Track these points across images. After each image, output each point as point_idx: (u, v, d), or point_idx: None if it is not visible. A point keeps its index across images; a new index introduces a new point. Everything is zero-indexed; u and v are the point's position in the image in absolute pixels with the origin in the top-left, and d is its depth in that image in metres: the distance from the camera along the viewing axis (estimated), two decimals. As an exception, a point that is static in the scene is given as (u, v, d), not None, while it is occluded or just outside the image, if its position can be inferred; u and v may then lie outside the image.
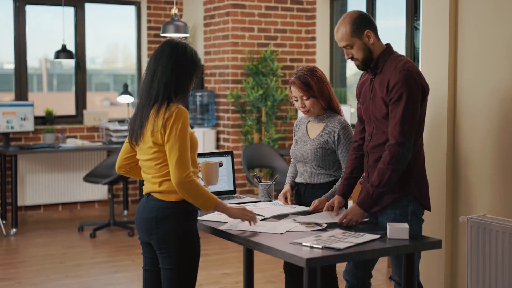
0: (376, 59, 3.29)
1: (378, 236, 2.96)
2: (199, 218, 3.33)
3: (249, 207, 3.70)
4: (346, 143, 3.67)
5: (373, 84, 3.34)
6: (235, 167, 6.44)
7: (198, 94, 7.72)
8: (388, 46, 3.34)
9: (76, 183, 8.01)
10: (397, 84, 3.17)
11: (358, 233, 3.02)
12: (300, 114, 3.89)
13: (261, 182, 3.95)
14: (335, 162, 3.73)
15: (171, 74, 3.05)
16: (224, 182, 3.99)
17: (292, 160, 3.98)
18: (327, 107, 3.79)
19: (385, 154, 3.19)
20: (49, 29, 8.23)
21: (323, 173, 3.74)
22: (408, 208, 3.29)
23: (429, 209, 3.37)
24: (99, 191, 8.14)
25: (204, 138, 7.55)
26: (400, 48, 6.87)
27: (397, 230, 2.94)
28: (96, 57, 8.83)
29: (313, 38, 7.79)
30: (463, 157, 3.94)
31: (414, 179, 3.29)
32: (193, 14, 8.21)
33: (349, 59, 3.36)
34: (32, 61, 8.33)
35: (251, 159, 7.03)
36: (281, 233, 3.09)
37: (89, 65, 8.66)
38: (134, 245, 6.67)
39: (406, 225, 2.96)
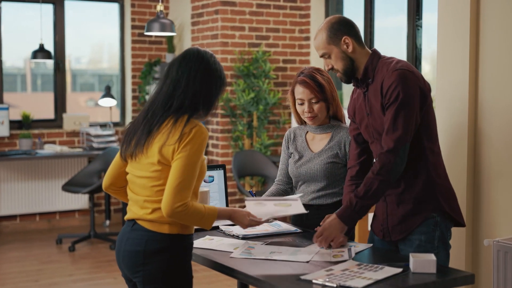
0: (364, 69, 2.90)
1: (400, 270, 2.51)
2: (195, 246, 2.87)
3: (244, 230, 3.25)
4: None
5: (368, 96, 2.93)
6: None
7: (185, 97, 7.25)
8: (374, 51, 2.95)
9: (54, 191, 7.53)
10: (392, 85, 2.78)
11: (375, 265, 2.58)
12: (294, 123, 3.40)
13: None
14: (344, 178, 3.29)
15: (200, 84, 2.62)
16: (215, 199, 3.53)
17: (277, 179, 3.49)
18: (333, 114, 3.35)
19: (375, 163, 2.83)
20: (29, 27, 7.78)
21: (331, 191, 3.30)
22: (435, 233, 2.87)
23: (463, 224, 2.98)
24: (79, 200, 7.67)
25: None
26: (401, 48, 6.46)
27: (423, 263, 2.50)
28: (82, 57, 8.44)
29: (307, 38, 7.37)
30: (485, 172, 3.50)
31: (440, 193, 2.89)
32: (180, 12, 7.77)
33: (330, 70, 2.95)
34: (17, 61, 8.05)
35: (242, 166, 6.58)
36: (307, 262, 2.67)
37: (74, 65, 8.36)
38: (116, 259, 6.20)
39: (432, 257, 2.53)
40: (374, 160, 2.98)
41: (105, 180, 2.83)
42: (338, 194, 3.29)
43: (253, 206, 2.95)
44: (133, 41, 8.02)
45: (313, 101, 3.26)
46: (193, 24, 7.48)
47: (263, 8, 7.20)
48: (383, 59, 2.92)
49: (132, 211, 2.69)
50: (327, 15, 7.31)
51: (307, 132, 3.43)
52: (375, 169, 2.80)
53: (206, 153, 7.28)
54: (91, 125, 7.75)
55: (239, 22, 7.08)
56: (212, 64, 2.66)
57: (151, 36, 7.99)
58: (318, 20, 7.32)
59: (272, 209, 2.96)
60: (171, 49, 7.84)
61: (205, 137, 2.59)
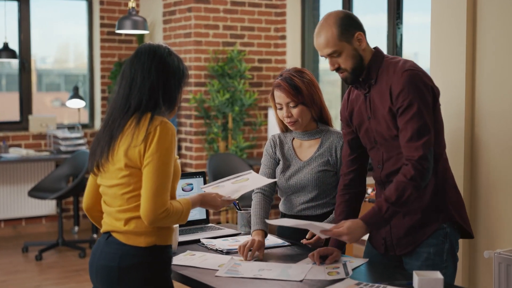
0: (367, 68, 2.67)
1: (404, 289, 2.30)
2: (174, 262, 2.63)
3: (228, 242, 3.02)
4: None
5: (370, 98, 2.70)
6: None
7: (157, 98, 6.97)
8: (377, 49, 2.72)
9: (20, 197, 7.20)
10: (404, 89, 2.55)
11: (376, 284, 2.36)
12: (277, 129, 3.15)
13: (241, 210, 3.25)
14: (336, 186, 3.06)
15: (156, 78, 2.42)
16: (195, 209, 3.27)
17: (258, 193, 3.11)
18: (318, 118, 3.11)
19: (407, 168, 2.55)
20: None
21: (322, 202, 3.06)
22: (444, 245, 2.67)
23: (472, 235, 2.79)
24: (47, 206, 7.35)
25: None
26: (381, 47, 6.27)
27: (429, 282, 2.28)
28: (47, 57, 8.14)
29: (283, 37, 7.15)
30: (483, 180, 3.30)
31: (450, 202, 2.69)
32: (151, 9, 7.49)
33: (334, 71, 2.69)
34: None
35: (218, 170, 6.32)
36: (301, 281, 2.44)
37: (40, 65, 8.06)
38: (86, 269, 5.89)
39: (439, 275, 2.31)
40: (379, 166, 2.74)
41: (84, 202, 2.64)
42: (328, 204, 3.06)
43: (212, 191, 2.77)
44: (102, 40, 7.72)
45: (291, 105, 3.02)
46: (165, 22, 7.21)
47: (238, 6, 6.96)
48: (387, 59, 2.69)
49: (107, 223, 2.50)
50: (303, 13, 7.10)
51: (293, 138, 3.19)
52: (409, 173, 2.54)
53: (180, 156, 7.02)
54: (59, 127, 7.44)
55: (213, 20, 6.84)
56: (166, 57, 2.47)
57: (120, 34, 7.71)
58: (294, 18, 7.10)
59: (233, 187, 2.78)
60: (142, 48, 7.55)
61: (172, 133, 2.39)
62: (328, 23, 2.63)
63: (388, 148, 2.69)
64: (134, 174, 2.39)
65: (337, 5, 6.65)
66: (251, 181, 2.85)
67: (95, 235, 6.88)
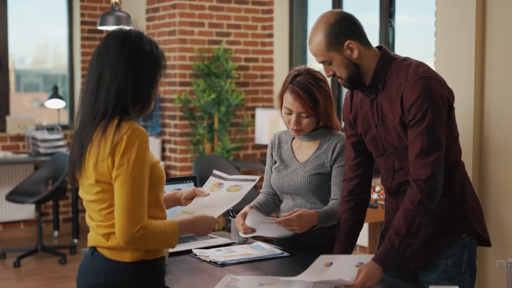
0: (374, 74, 2.44)
1: (420, 307, 2.09)
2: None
3: (222, 253, 2.80)
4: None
5: (378, 105, 2.49)
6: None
7: (140, 98, 6.73)
8: (384, 51, 2.48)
9: (-3, 201, 6.92)
10: (417, 100, 2.34)
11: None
12: (281, 126, 2.93)
13: (235, 217, 3.03)
14: (330, 192, 2.87)
15: (125, 75, 2.13)
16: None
17: (263, 190, 3.07)
18: (324, 125, 2.91)
19: (413, 192, 2.35)
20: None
21: (319, 207, 2.86)
22: (463, 256, 2.49)
23: (489, 243, 2.61)
24: (25, 210, 7.08)
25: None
26: (372, 46, 6.09)
27: (448, 299, 2.08)
28: (26, 57, 7.92)
29: (271, 35, 6.94)
30: (494, 184, 3.11)
31: (470, 212, 2.51)
32: (134, 6, 7.24)
33: (332, 77, 2.50)
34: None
35: (204, 173, 6.09)
36: None
37: (18, 65, 7.82)
38: (67, 276, 5.68)
39: (457, 290, 2.11)
40: (389, 175, 2.54)
41: None
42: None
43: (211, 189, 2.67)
44: (83, 38, 7.47)
45: (303, 115, 2.81)
46: (148, 19, 6.97)
47: (224, 3, 6.74)
48: (396, 61, 2.46)
49: (92, 237, 2.28)
50: (291, 11, 6.90)
51: (293, 138, 2.99)
52: (415, 198, 2.34)
53: (163, 158, 6.78)
54: (37, 129, 7.17)
55: (198, 18, 6.62)
56: (139, 44, 2.16)
57: (102, 32, 7.45)
58: (281, 16, 6.90)
59: (226, 196, 2.63)
60: (124, 46, 7.30)
61: (142, 140, 2.11)
62: (318, 30, 2.42)
63: (400, 157, 2.48)
64: (107, 189, 2.15)
65: (326, 3, 6.45)
66: (241, 191, 2.64)
67: (75, 240, 6.63)
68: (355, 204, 2.65)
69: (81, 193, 2.27)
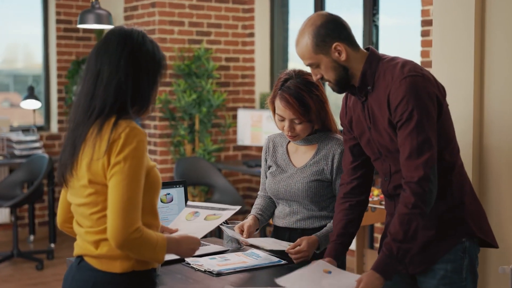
0: (362, 75, 2.38)
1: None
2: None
3: (217, 261, 2.68)
4: None
5: (368, 107, 2.42)
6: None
7: (119, 98, 6.57)
8: (372, 52, 2.42)
9: (-29, 205, 6.70)
10: (402, 101, 2.27)
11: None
12: (274, 129, 2.85)
13: (227, 224, 2.91)
14: (332, 198, 2.76)
15: (125, 74, 2.04)
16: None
17: (261, 193, 2.98)
18: (320, 127, 2.81)
19: (407, 196, 2.28)
20: None
21: (317, 214, 2.76)
22: (463, 261, 2.41)
23: (497, 245, 2.54)
24: (0, 214, 6.86)
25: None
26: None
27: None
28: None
29: (252, 34, 6.83)
30: (495, 188, 3.02)
31: (470, 215, 2.43)
32: (111, 4, 7.06)
33: (320, 80, 2.45)
34: None
35: (185, 174, 5.97)
36: None
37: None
38: (45, 282, 5.51)
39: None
40: (386, 178, 2.46)
41: (58, 216, 2.27)
42: (325, 217, 2.77)
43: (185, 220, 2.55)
44: (58, 37, 7.28)
45: (296, 121, 2.72)
46: (126, 18, 6.81)
47: (204, 2, 6.61)
48: (383, 61, 2.39)
49: (79, 245, 2.15)
50: (272, 10, 6.79)
51: (289, 142, 2.89)
52: (409, 201, 2.27)
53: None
54: (12, 130, 6.97)
55: (178, 17, 6.47)
56: (140, 45, 2.08)
57: (78, 31, 7.28)
58: (262, 15, 6.78)
59: (200, 225, 2.51)
60: (101, 45, 7.13)
61: (141, 139, 2.01)
62: (304, 32, 2.37)
63: (395, 160, 2.41)
64: (100, 191, 2.04)
65: (308, 1, 6.35)
66: (220, 219, 2.54)
67: (52, 245, 6.45)
68: (350, 205, 2.57)
69: (70, 197, 2.15)
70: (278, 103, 2.72)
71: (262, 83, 6.87)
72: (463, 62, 3.04)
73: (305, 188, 2.73)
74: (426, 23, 5.00)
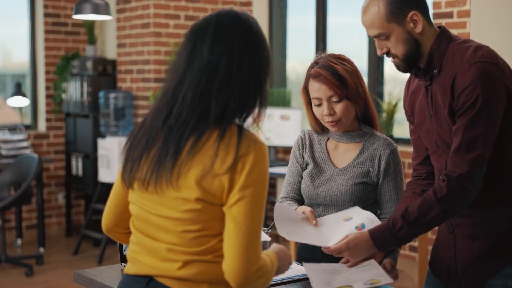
0: (429, 55, 2.12)
1: None
2: None
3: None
4: (397, 176, 2.45)
5: (431, 93, 2.15)
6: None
7: (112, 96, 6.28)
8: (443, 30, 2.15)
9: (-45, 208, 6.37)
10: (467, 88, 2.01)
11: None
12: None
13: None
14: (375, 203, 2.49)
15: (248, 70, 1.71)
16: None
17: (288, 196, 2.59)
18: (362, 117, 2.53)
19: (440, 186, 2.06)
20: None
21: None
22: None
23: None
24: (-15, 217, 6.54)
25: (120, 149, 6.14)
26: (360, 48, 5.76)
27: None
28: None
29: (249, 29, 6.54)
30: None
31: None
32: (102, -2, 6.78)
33: (384, 55, 2.18)
34: None
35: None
36: None
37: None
38: (35, 290, 5.20)
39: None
40: (440, 176, 2.18)
41: (107, 220, 1.92)
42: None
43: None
44: (46, 31, 6.95)
45: (334, 99, 2.41)
46: (119, 11, 6.52)
47: (200, -6, 6.35)
48: (454, 43, 2.12)
49: (145, 264, 1.78)
50: (270, 4, 6.53)
51: (328, 139, 2.59)
52: (440, 192, 2.05)
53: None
54: (-2, 129, 6.65)
55: (174, 10, 6.21)
56: (261, 37, 1.75)
57: (67, 25, 6.96)
58: (260, 8, 6.52)
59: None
60: (92, 40, 6.83)
61: (267, 158, 1.71)
62: None
63: None
64: (206, 210, 1.70)
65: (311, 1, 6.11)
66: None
67: (41, 249, 6.13)
68: (414, 194, 2.30)
69: (143, 202, 1.78)
70: (311, 85, 2.44)
71: (260, 79, 6.60)
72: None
73: (349, 192, 2.44)
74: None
